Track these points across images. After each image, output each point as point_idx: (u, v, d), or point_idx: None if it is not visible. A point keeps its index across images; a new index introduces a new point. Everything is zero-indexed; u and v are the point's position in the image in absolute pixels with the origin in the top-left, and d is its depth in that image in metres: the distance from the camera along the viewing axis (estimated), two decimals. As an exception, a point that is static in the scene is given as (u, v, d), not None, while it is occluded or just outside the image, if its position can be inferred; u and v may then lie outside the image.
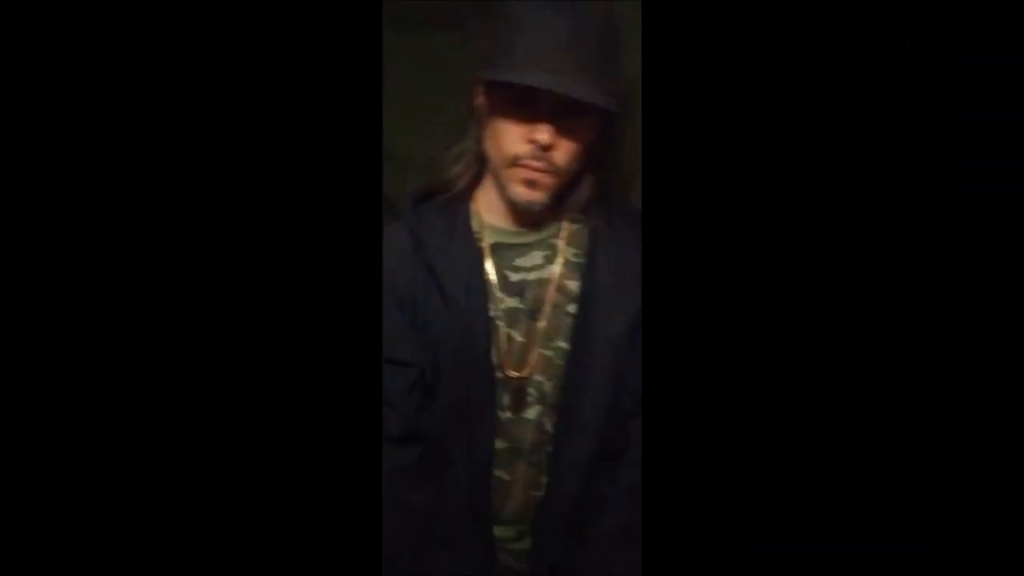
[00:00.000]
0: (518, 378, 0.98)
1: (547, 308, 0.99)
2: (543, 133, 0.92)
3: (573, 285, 1.00)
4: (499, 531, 1.01)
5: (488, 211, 1.02)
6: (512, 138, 0.94)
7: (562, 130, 0.93)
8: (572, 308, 0.99)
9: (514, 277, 1.00)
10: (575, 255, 1.02)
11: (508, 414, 0.99)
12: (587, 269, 1.00)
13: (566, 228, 1.02)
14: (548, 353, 0.99)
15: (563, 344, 0.99)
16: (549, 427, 0.99)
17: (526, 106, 0.93)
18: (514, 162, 0.94)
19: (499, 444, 0.99)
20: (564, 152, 0.94)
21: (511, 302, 0.99)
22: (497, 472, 0.99)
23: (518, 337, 0.99)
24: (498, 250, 1.01)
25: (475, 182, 1.03)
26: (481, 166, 1.01)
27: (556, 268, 1.01)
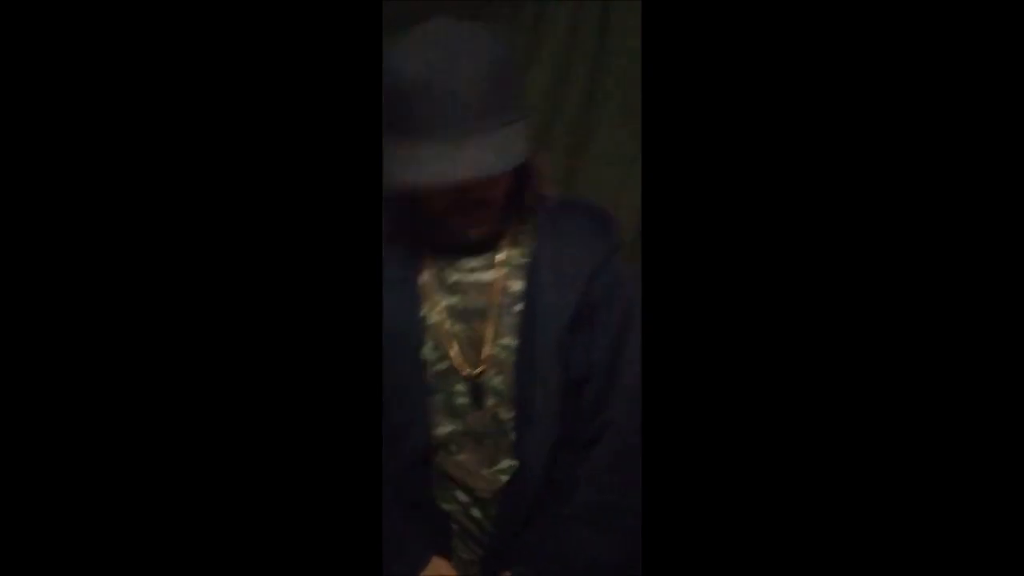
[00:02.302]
0: (474, 375, 1.01)
1: (492, 309, 1.02)
2: (457, 214, 0.94)
3: (517, 286, 1.03)
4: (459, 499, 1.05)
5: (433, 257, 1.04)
6: (433, 202, 0.94)
7: (479, 188, 0.92)
8: (518, 307, 1.02)
9: (453, 277, 1.02)
10: (519, 256, 1.04)
11: (465, 404, 1.02)
12: (529, 268, 1.03)
13: (510, 232, 1.04)
14: (497, 351, 1.02)
15: (510, 341, 1.02)
16: (506, 417, 1.02)
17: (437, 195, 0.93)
18: (444, 214, 0.95)
19: (453, 428, 1.02)
20: (491, 197, 0.95)
21: (449, 300, 1.02)
22: (457, 457, 1.03)
23: (463, 334, 1.02)
24: (438, 252, 1.03)
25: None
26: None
27: (499, 271, 1.03)
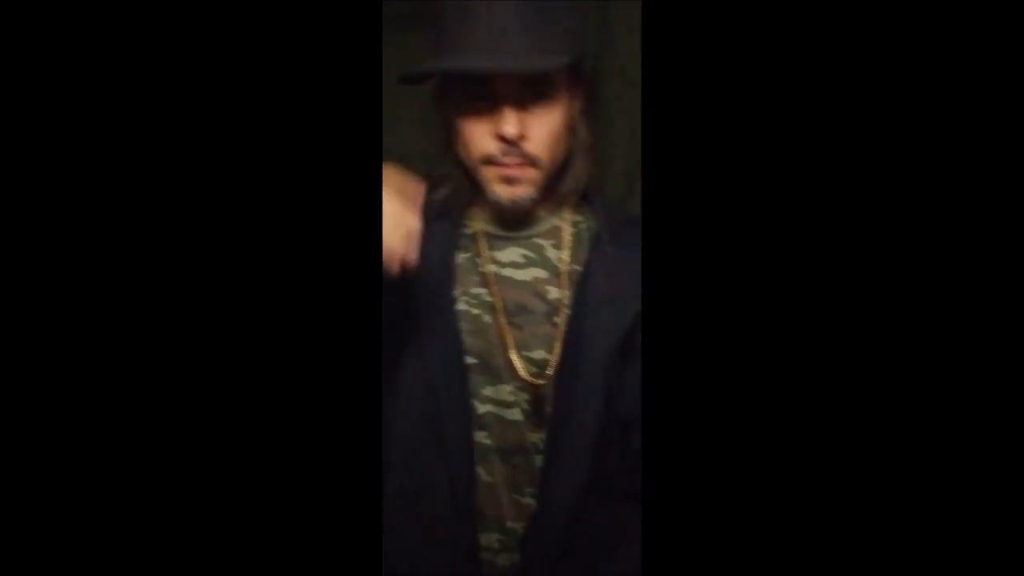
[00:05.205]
0: (540, 386, 0.93)
1: (524, 315, 0.94)
2: (508, 125, 0.87)
3: (555, 293, 0.95)
4: (482, 538, 0.95)
5: (482, 211, 0.98)
6: (478, 137, 0.89)
7: (530, 117, 0.88)
8: (552, 319, 0.94)
9: (485, 268, 0.95)
10: (566, 262, 0.96)
11: (490, 407, 0.94)
12: (582, 279, 0.95)
13: (561, 230, 0.97)
14: (521, 361, 0.94)
15: (540, 355, 0.94)
16: (534, 438, 0.94)
17: (486, 98, 0.88)
18: (487, 162, 0.90)
19: (480, 439, 0.94)
20: (538, 141, 0.89)
21: (482, 292, 0.95)
22: (478, 469, 0.94)
23: (494, 338, 0.94)
24: (479, 238, 0.97)
25: (471, 193, 0.98)
26: (468, 174, 0.95)
27: (539, 272, 0.96)
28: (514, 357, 0.92)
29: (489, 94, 0.88)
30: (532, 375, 0.93)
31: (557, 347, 0.93)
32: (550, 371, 0.93)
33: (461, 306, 0.94)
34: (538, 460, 0.93)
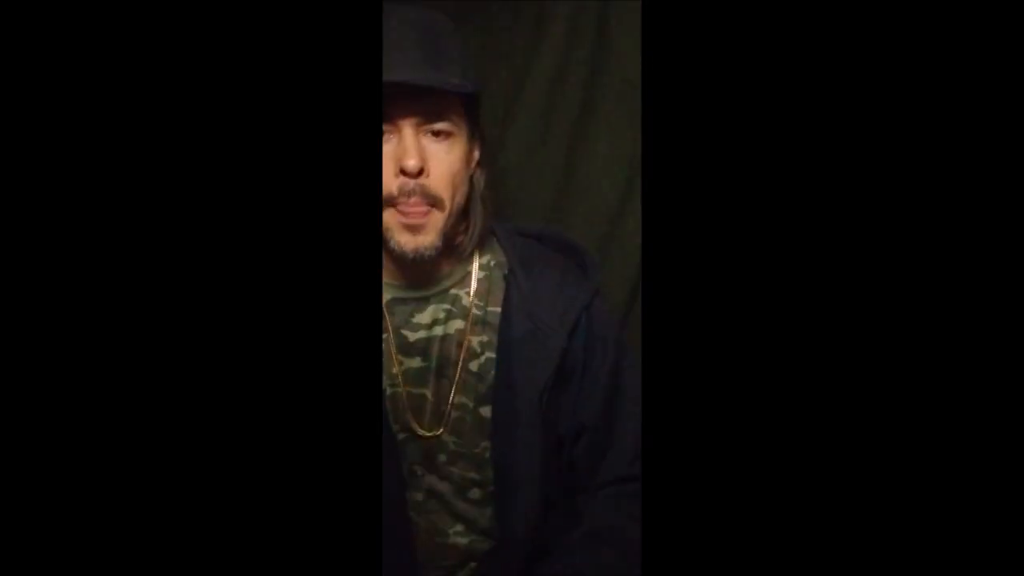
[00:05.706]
0: (428, 437, 0.97)
1: (451, 367, 0.96)
2: (409, 158, 0.87)
3: (477, 341, 0.97)
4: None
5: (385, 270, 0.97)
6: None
7: (430, 153, 0.89)
8: (474, 366, 0.96)
9: (413, 336, 0.96)
10: (479, 307, 0.98)
11: (421, 472, 0.98)
12: (502, 320, 0.96)
13: (471, 277, 0.99)
14: (456, 413, 0.97)
15: (468, 402, 0.97)
16: (462, 475, 0.97)
17: (386, 135, 0.89)
18: (389, 204, 0.90)
19: (417, 497, 0.98)
20: (437, 177, 0.90)
21: (413, 363, 0.97)
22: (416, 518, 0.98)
23: (429, 396, 0.96)
24: (393, 307, 0.97)
25: None
26: None
27: (459, 323, 0.97)
28: (411, 420, 0.96)
29: (390, 130, 0.88)
30: (431, 424, 0.96)
31: (456, 397, 0.95)
32: (468, 416, 0.96)
33: (388, 392, 0.96)
34: (438, 502, 0.97)
